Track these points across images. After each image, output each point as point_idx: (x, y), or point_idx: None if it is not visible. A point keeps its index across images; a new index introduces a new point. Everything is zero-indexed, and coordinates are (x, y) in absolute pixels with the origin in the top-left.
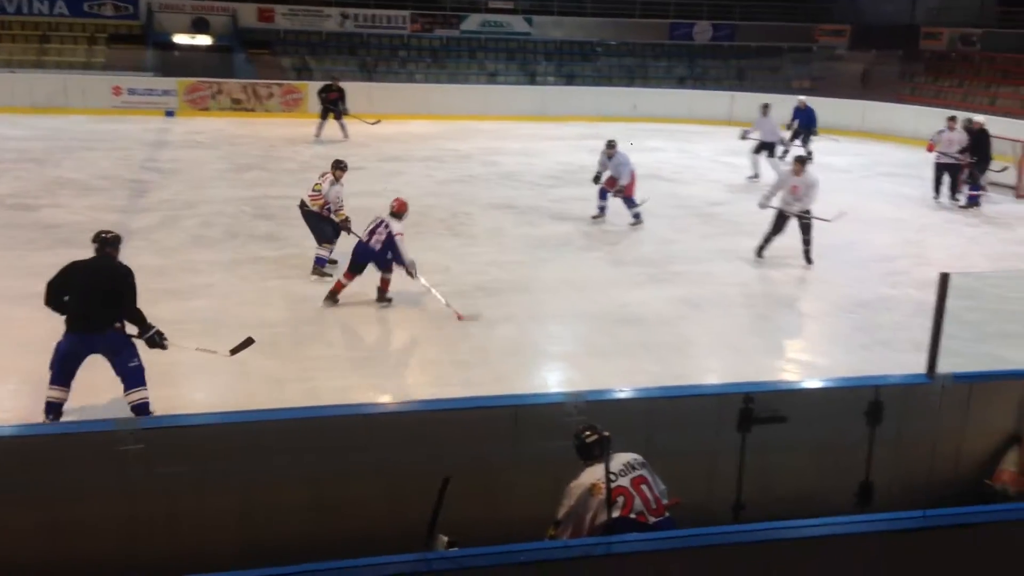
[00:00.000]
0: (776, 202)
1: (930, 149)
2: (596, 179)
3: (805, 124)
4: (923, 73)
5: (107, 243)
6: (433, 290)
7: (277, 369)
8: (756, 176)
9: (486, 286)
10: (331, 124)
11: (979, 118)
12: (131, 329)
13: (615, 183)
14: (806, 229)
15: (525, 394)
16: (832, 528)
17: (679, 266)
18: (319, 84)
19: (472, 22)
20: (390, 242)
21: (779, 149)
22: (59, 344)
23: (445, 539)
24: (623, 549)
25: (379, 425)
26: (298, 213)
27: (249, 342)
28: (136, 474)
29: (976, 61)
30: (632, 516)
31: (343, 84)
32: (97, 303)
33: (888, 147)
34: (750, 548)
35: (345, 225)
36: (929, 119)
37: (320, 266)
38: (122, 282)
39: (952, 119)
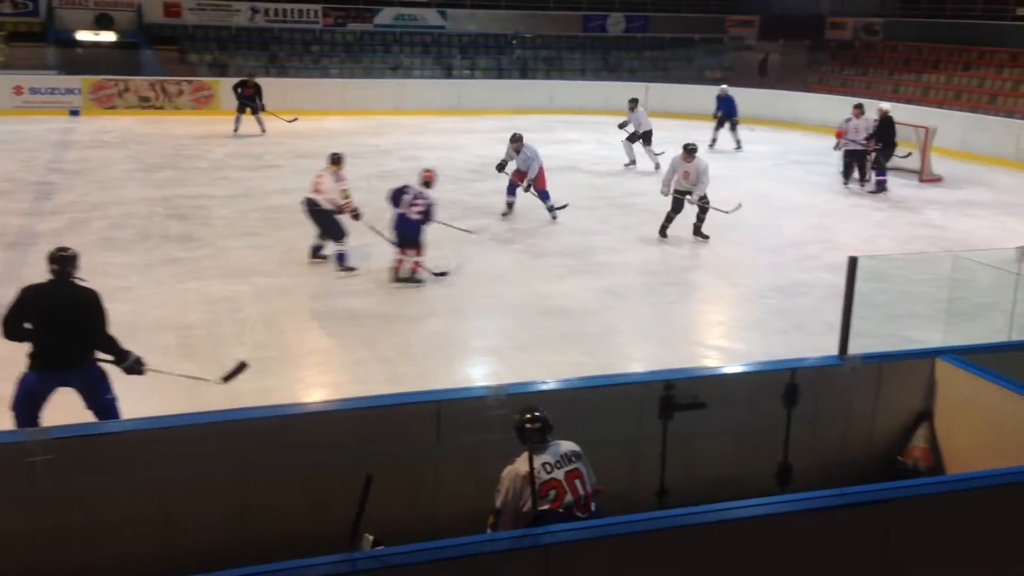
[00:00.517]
0: (674, 186)
1: (838, 136)
2: (500, 167)
3: (727, 113)
4: (829, 62)
5: (66, 262)
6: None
7: (195, 372)
8: (632, 163)
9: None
10: (248, 119)
11: (884, 105)
12: (103, 356)
13: (523, 177)
14: (702, 211)
15: (447, 389)
16: (753, 510)
17: (600, 257)
18: (232, 80)
19: (386, 16)
20: (429, 211)
21: (653, 140)
22: (23, 381)
23: (371, 538)
24: (550, 540)
25: (300, 426)
26: (210, 213)
27: (242, 367)
28: (46, 486)
29: (879, 50)
30: (561, 510)
31: (258, 80)
32: (66, 335)
33: (797, 135)
34: (674, 532)
35: (356, 215)
36: (836, 107)
37: (343, 262)
38: (91, 308)
39: (858, 107)
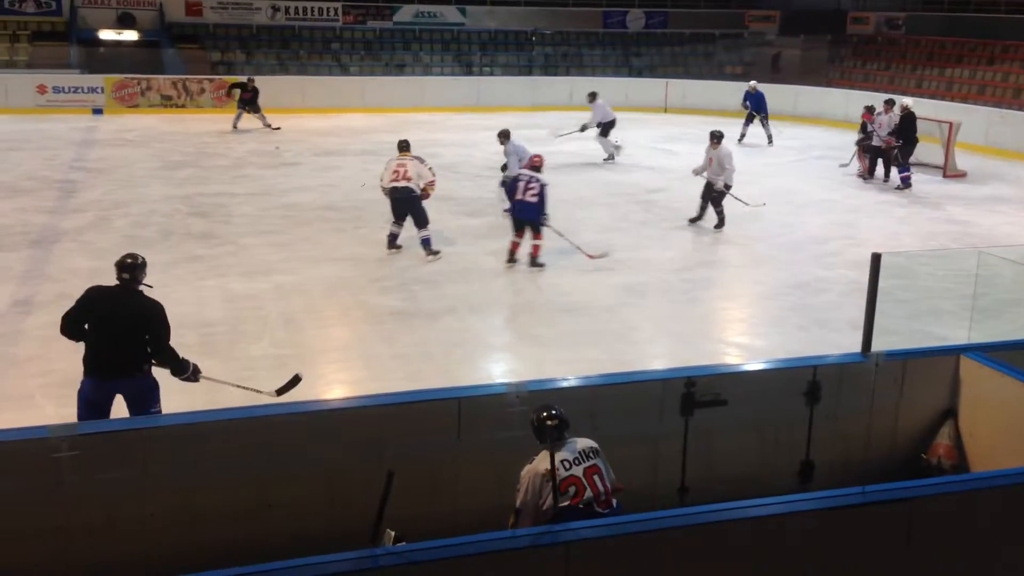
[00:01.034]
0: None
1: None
2: (504, 169)
3: (756, 107)
4: (851, 57)
5: (135, 270)
6: (564, 236)
7: (215, 369)
8: (611, 158)
9: (427, 279)
10: (247, 117)
11: (906, 101)
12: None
13: None
14: (718, 199)
15: (467, 386)
16: (774, 508)
17: (620, 253)
18: (254, 78)
19: (405, 13)
20: (543, 194)
21: (612, 132)
22: (81, 391)
23: (392, 534)
24: (570, 537)
25: (320, 423)
26: (231, 211)
27: (296, 380)
28: (72, 481)
29: (902, 44)
30: (581, 507)
31: (264, 79)
32: (124, 344)
33: (819, 130)
34: (695, 530)
35: (427, 195)
36: (858, 102)
37: (429, 246)
38: (154, 321)
39: (888, 102)
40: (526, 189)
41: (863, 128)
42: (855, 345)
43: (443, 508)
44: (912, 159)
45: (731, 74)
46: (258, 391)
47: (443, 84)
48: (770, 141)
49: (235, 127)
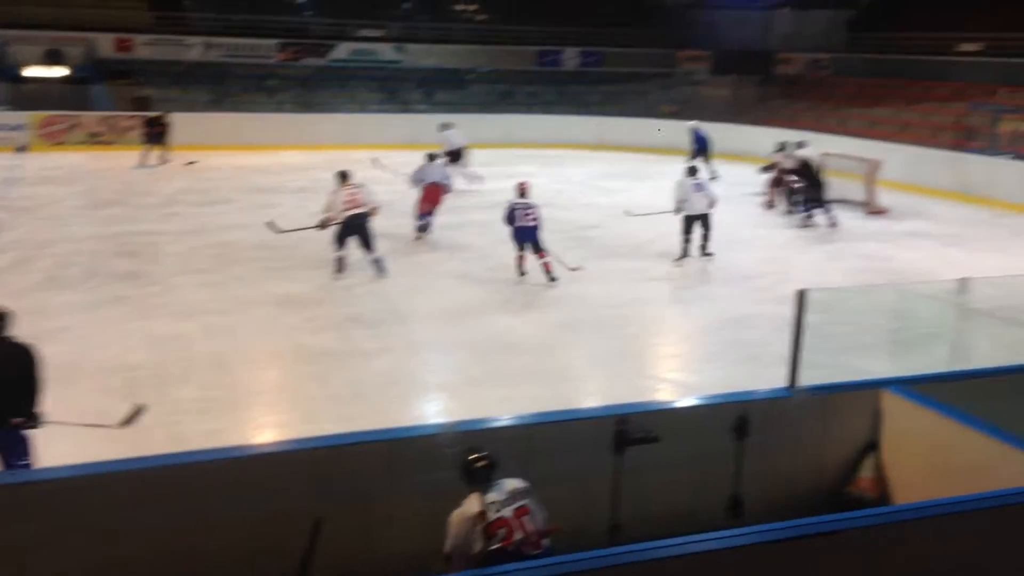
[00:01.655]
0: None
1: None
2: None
3: (701, 146)
4: (779, 97)
5: (3, 320)
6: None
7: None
8: (476, 180)
9: (362, 318)
10: (155, 152)
11: (799, 152)
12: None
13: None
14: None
15: (399, 427)
16: (705, 544)
17: (554, 290)
18: (176, 115)
19: (341, 51)
20: (539, 216)
21: (465, 159)
22: None
23: None
24: None
25: (248, 468)
26: (160, 250)
27: (139, 411)
28: None
29: (827, 85)
30: (510, 549)
31: (198, 116)
32: None
33: (749, 168)
34: (626, 569)
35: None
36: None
37: (383, 266)
38: (32, 367)
39: (800, 144)
40: (524, 216)
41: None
42: (784, 379)
43: (375, 554)
44: (836, 196)
45: (664, 112)
46: (104, 426)
47: (380, 122)
48: (715, 176)
49: (144, 164)
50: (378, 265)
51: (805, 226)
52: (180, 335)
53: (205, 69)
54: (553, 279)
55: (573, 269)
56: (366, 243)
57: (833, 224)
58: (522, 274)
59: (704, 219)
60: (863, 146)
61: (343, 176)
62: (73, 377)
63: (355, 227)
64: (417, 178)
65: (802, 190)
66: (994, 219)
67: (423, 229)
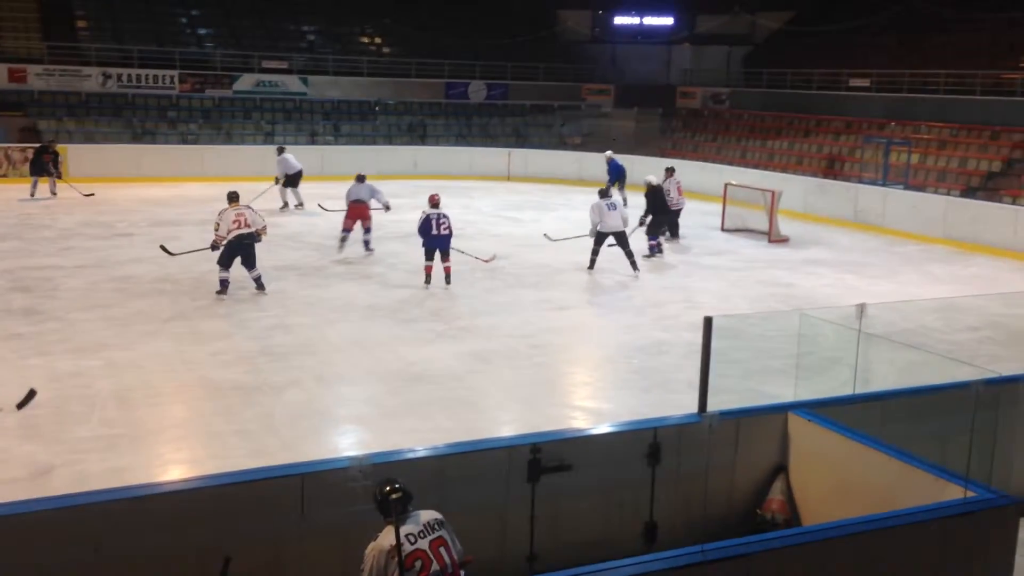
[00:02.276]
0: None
1: None
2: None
3: (616, 176)
4: (681, 129)
5: None
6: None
7: (40, 454)
8: (286, 206)
9: (271, 351)
10: (44, 184)
11: (650, 178)
12: None
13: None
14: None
15: (309, 461)
16: (621, 571)
17: (466, 321)
18: (74, 147)
19: (245, 82)
20: (450, 225)
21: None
22: None
23: None
24: None
25: (154, 506)
26: (58, 284)
27: (33, 394)
28: None
29: (726, 118)
30: None
31: (97, 148)
32: None
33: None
34: None
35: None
36: (689, 172)
37: (262, 283)
38: None
39: (669, 170)
40: (438, 225)
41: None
42: (695, 405)
43: None
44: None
45: (570, 144)
46: None
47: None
48: (624, 203)
49: (33, 196)
50: (258, 283)
51: (650, 256)
52: (81, 372)
53: (103, 100)
54: (449, 283)
55: (487, 260)
56: (247, 261)
57: (659, 251)
58: (427, 283)
59: (620, 236)
60: (763, 177)
61: (231, 197)
62: None
63: (241, 247)
64: (347, 196)
65: (647, 218)
66: (887, 247)
67: (343, 241)
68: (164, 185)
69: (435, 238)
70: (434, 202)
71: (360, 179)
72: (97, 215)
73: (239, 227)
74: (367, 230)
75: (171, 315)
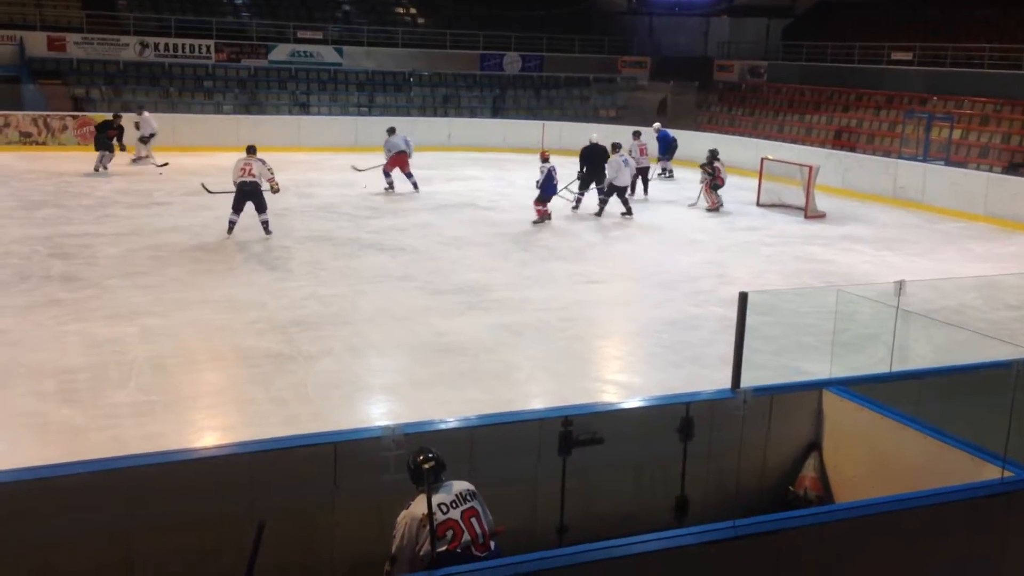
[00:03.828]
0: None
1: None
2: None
3: (665, 147)
4: (718, 103)
5: None
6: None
7: (76, 418)
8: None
9: (304, 320)
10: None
11: (593, 136)
12: None
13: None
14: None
15: (343, 430)
16: (651, 544)
17: (498, 293)
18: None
19: (280, 52)
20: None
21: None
22: None
23: None
24: None
25: (189, 472)
26: (96, 252)
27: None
28: None
29: (764, 91)
30: (459, 551)
31: (133, 117)
32: None
33: (689, 172)
34: (574, 570)
35: (277, 189)
36: (725, 145)
37: (267, 227)
38: None
39: (636, 133)
40: (242, 170)
41: (708, 167)
42: (727, 380)
43: (320, 557)
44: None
45: (605, 116)
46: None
47: (320, 124)
48: (671, 175)
49: (103, 168)
50: (265, 226)
51: (574, 209)
52: (117, 338)
53: (140, 69)
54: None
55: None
56: (255, 205)
57: (598, 213)
58: (542, 220)
59: (624, 189)
60: (800, 152)
61: (249, 149)
62: (6, 381)
63: (247, 193)
64: (387, 148)
65: (583, 177)
66: (926, 223)
67: (390, 186)
68: (199, 154)
69: (554, 187)
70: (545, 157)
71: (392, 131)
72: (133, 184)
73: (243, 175)
74: (409, 175)
75: (206, 284)
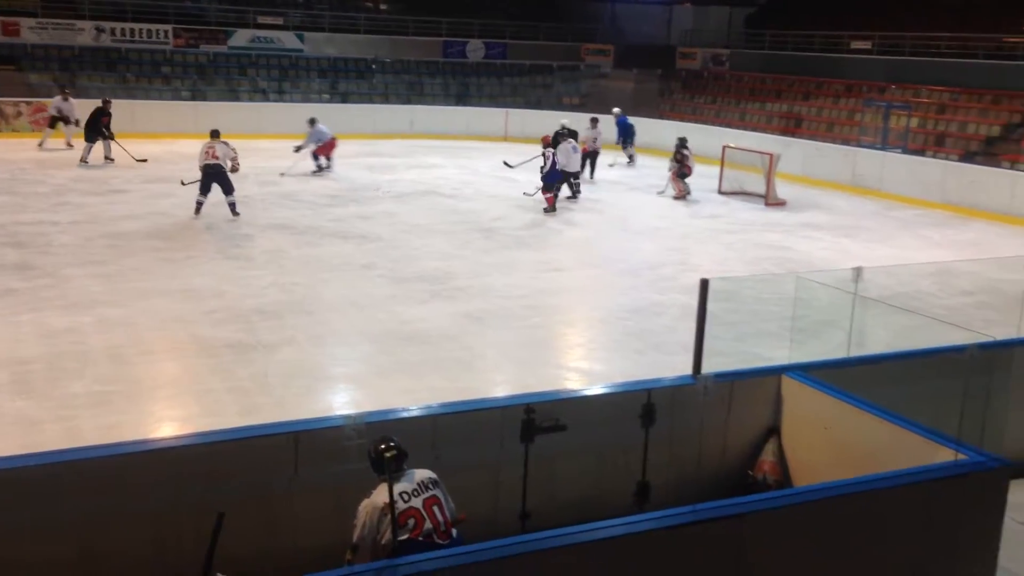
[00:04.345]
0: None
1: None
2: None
3: (624, 133)
4: (680, 91)
5: None
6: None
7: (31, 409)
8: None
9: (265, 309)
10: (98, 146)
11: (564, 120)
12: None
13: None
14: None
15: (303, 419)
16: (613, 530)
17: (461, 281)
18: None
19: (240, 38)
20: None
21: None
22: None
23: None
24: (410, 571)
25: (147, 463)
26: (51, 240)
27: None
28: None
29: (726, 80)
30: (420, 539)
31: (89, 103)
32: None
33: (652, 160)
34: (537, 556)
35: (237, 169)
36: (689, 133)
37: (235, 208)
38: None
39: (594, 120)
40: (206, 154)
41: (676, 155)
42: (688, 367)
43: (280, 546)
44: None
45: (568, 104)
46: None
47: (281, 111)
48: (632, 161)
49: (109, 158)
50: (232, 208)
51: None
52: (73, 328)
53: (96, 54)
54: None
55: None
56: (222, 187)
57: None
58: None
59: (575, 174)
60: (762, 140)
61: (212, 133)
62: None
63: (212, 175)
64: (316, 138)
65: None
66: (884, 211)
67: (320, 168)
68: (157, 141)
69: (557, 173)
70: (547, 142)
71: (315, 121)
72: (89, 171)
73: (208, 158)
74: (329, 160)
75: (164, 272)
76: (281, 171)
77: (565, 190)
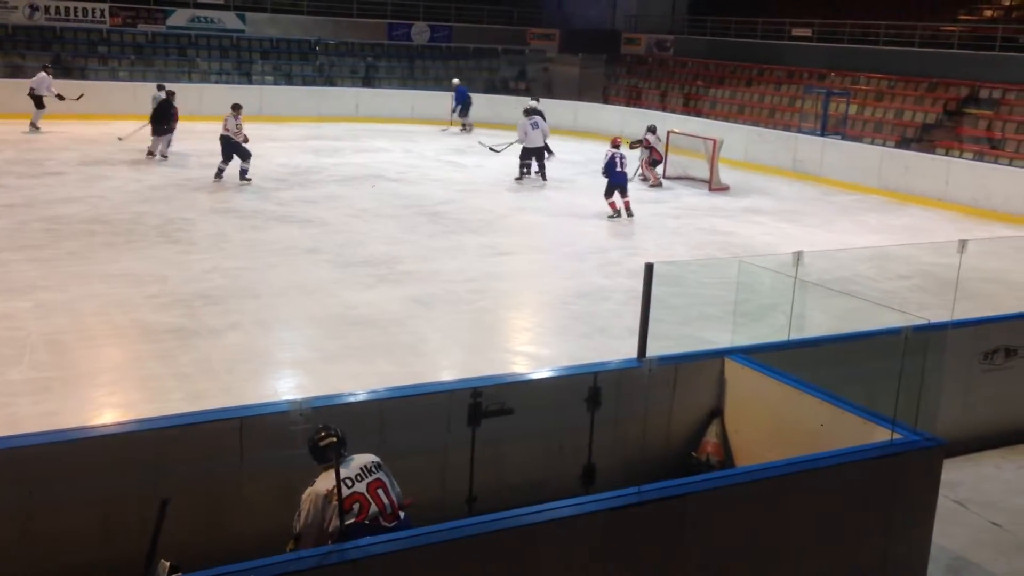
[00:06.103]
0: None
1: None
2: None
3: (460, 99)
4: (625, 76)
5: None
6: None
7: None
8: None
9: (209, 294)
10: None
11: (531, 100)
12: None
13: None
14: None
15: (248, 405)
16: (559, 512)
17: (407, 265)
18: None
19: (180, 17)
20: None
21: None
22: None
23: (167, 564)
24: (358, 555)
25: (88, 450)
26: None
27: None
28: None
29: (670, 65)
30: (367, 522)
31: (22, 83)
32: None
33: (597, 145)
34: (483, 539)
35: (247, 139)
36: (633, 118)
37: (246, 175)
38: None
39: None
40: (621, 163)
41: (643, 143)
42: (634, 350)
43: (226, 533)
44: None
45: (514, 88)
46: None
47: (222, 92)
48: (468, 128)
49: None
50: (242, 174)
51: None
52: (10, 314)
53: (30, 33)
54: (631, 215)
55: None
56: (239, 156)
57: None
58: (617, 215)
59: (539, 152)
60: (706, 125)
61: (232, 106)
62: None
63: (224, 145)
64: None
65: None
66: (824, 196)
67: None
68: (94, 123)
69: (619, 175)
70: (616, 143)
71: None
72: (24, 153)
73: (222, 129)
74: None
75: (103, 257)
76: (120, 136)
77: (535, 166)
